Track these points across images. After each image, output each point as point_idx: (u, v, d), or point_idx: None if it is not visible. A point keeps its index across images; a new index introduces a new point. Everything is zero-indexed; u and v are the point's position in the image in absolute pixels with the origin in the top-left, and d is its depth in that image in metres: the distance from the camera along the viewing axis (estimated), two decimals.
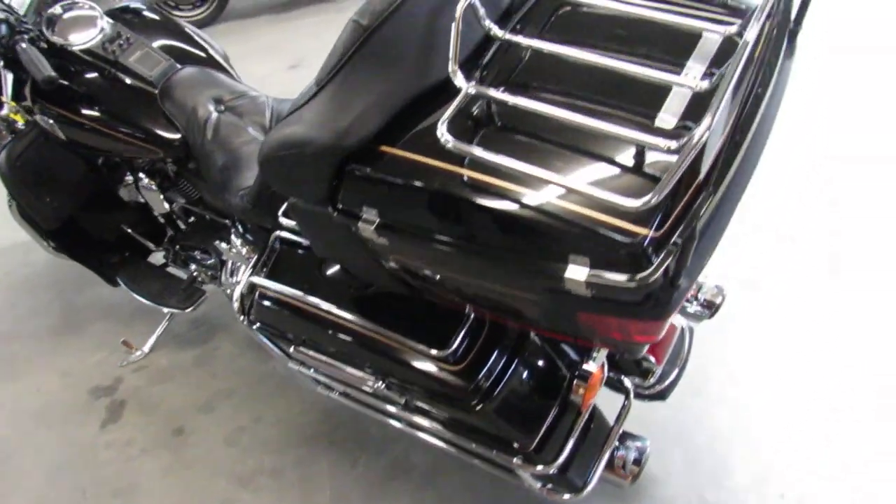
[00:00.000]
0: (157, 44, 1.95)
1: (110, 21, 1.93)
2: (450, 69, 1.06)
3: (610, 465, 1.58)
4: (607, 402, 1.57)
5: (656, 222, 0.96)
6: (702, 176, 1.01)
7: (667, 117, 1.04)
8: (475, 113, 1.10)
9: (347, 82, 1.14)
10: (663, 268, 0.97)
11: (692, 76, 1.06)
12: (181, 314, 2.31)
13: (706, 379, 2.07)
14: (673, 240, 0.96)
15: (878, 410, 1.94)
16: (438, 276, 1.23)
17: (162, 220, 2.27)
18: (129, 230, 2.36)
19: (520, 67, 1.16)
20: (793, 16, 1.27)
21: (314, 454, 2.02)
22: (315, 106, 1.16)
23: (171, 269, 2.41)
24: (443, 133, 1.01)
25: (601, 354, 1.40)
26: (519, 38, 1.14)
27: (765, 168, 1.23)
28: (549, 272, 1.02)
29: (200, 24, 4.82)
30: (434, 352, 1.37)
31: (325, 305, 1.50)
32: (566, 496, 1.53)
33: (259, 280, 1.58)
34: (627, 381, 1.61)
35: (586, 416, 1.48)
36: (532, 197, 1.01)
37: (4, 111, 1.84)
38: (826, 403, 1.99)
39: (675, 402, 1.76)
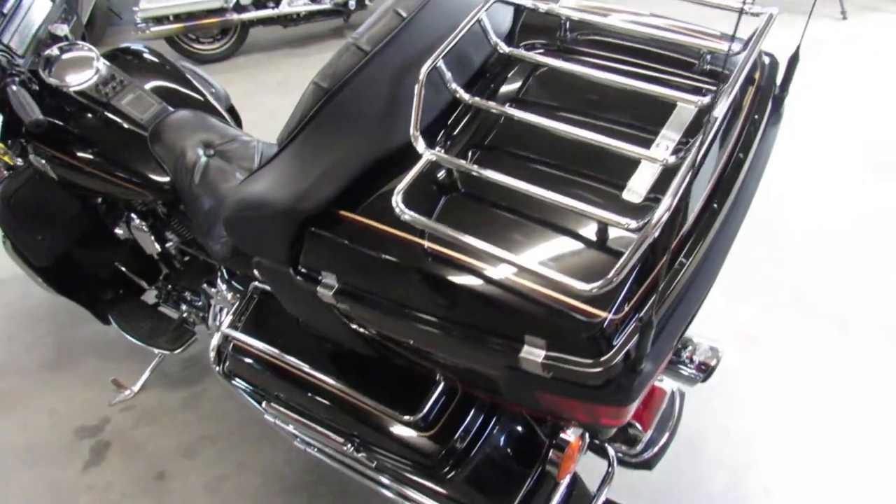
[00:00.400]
0: (150, 86, 1.95)
1: (106, 63, 1.94)
2: (411, 134, 1.03)
3: None
4: (594, 466, 1.50)
5: (616, 304, 0.92)
6: (668, 253, 0.96)
7: (635, 191, 1.01)
8: (437, 180, 1.07)
9: (307, 145, 1.11)
10: (623, 352, 0.92)
11: (663, 148, 1.02)
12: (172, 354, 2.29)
13: (703, 440, 1.99)
14: (634, 323, 0.91)
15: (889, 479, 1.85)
16: (402, 344, 1.19)
17: (156, 258, 2.26)
18: (123, 268, 2.35)
19: (486, 134, 1.13)
20: (778, 81, 1.23)
21: None
22: (275, 167, 1.13)
23: (163, 309, 2.39)
24: (398, 203, 0.98)
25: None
26: (486, 104, 1.11)
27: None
28: (504, 351, 0.97)
29: (220, 57, 4.89)
30: (404, 416, 1.33)
31: (298, 363, 1.46)
32: None
33: (233, 332, 1.55)
34: (611, 450, 1.54)
35: (565, 486, 1.42)
36: (489, 273, 0.97)
37: None
38: (831, 470, 1.90)
39: (668, 467, 1.69)
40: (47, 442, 2.25)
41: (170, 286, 2.28)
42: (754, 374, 2.19)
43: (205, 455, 2.15)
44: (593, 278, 0.87)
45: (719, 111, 0.92)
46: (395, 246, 1.03)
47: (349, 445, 1.42)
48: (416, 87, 1.03)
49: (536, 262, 0.93)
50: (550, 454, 1.36)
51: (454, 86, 1.12)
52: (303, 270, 1.14)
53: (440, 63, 1.07)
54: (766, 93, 1.20)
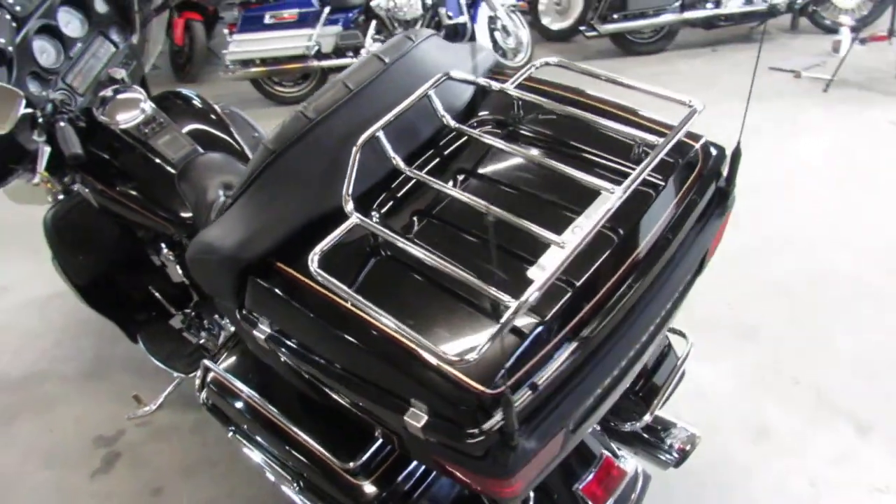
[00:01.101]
0: (187, 129, 2.12)
1: (152, 105, 2.13)
2: (343, 196, 1.11)
3: None
4: None
5: (496, 378, 0.95)
6: (557, 334, 0.99)
7: (538, 271, 1.04)
8: (361, 243, 1.13)
9: (252, 200, 1.21)
10: (495, 427, 0.94)
11: (569, 232, 1.05)
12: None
13: None
14: (508, 398, 0.93)
15: None
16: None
17: (186, 285, 2.42)
18: (156, 292, 2.53)
19: (417, 204, 1.20)
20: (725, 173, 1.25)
21: None
22: (226, 217, 1.23)
23: (186, 335, 2.54)
24: (313, 260, 1.05)
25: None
26: (420, 175, 1.17)
27: None
28: (395, 411, 1.02)
29: (300, 99, 5.19)
30: (343, 463, 1.37)
31: (262, 400, 1.53)
32: None
33: (211, 365, 1.65)
34: None
35: None
36: (385, 335, 1.01)
37: (36, 180, 2.05)
38: None
39: None
40: (67, 447, 2.42)
41: (194, 313, 2.44)
42: (757, 468, 2.11)
43: (202, 477, 2.26)
44: (462, 353, 0.91)
45: (613, 200, 0.96)
46: (314, 300, 1.10)
47: (295, 485, 1.48)
48: (353, 154, 1.12)
49: (423, 331, 0.97)
50: None
51: (393, 156, 1.19)
52: (244, 313, 1.23)
53: (380, 134, 1.15)
54: (707, 184, 1.22)
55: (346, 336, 1.05)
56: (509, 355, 0.96)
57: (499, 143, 1.18)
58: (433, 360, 0.96)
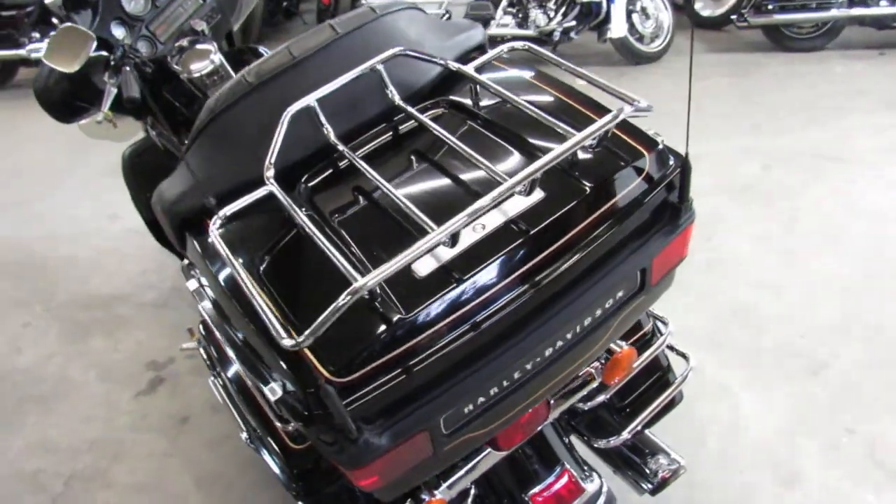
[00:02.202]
0: None
1: (220, 58, 2.23)
2: (265, 164, 1.11)
3: None
4: None
5: (345, 368, 0.92)
6: (424, 331, 0.94)
7: (421, 266, 0.99)
8: (275, 213, 1.13)
9: (192, 157, 1.24)
10: (338, 415, 0.92)
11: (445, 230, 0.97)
12: None
13: None
14: (326, 391, 0.90)
15: None
16: None
17: None
18: None
19: (338, 178, 1.17)
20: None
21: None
22: (176, 171, 1.28)
23: None
24: (215, 222, 1.07)
25: (459, 483, 1.32)
26: (343, 150, 1.15)
27: None
28: (262, 382, 1.02)
29: None
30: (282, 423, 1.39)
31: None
32: None
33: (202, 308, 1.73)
34: None
35: None
36: (252, 308, 0.99)
37: (100, 118, 2.22)
38: None
39: None
40: (123, 366, 2.66)
41: None
42: None
43: (226, 414, 2.39)
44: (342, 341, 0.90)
45: (500, 190, 0.90)
46: (218, 263, 1.12)
47: (244, 434, 1.52)
48: (280, 122, 1.11)
49: (295, 309, 0.96)
50: None
51: (327, 128, 1.17)
52: (183, 264, 1.28)
53: (314, 104, 1.14)
54: (649, 194, 1.09)
55: (231, 302, 1.05)
56: (361, 346, 0.93)
57: (431, 125, 1.13)
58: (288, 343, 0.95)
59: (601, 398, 1.49)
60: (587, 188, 1.06)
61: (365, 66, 1.16)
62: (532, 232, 1.02)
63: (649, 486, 1.61)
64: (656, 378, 1.61)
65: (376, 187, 1.10)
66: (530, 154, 1.12)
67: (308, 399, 0.94)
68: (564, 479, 1.47)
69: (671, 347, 1.64)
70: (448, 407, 1.00)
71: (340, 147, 1.15)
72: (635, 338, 1.56)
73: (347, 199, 1.15)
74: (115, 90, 2.12)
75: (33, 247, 3.35)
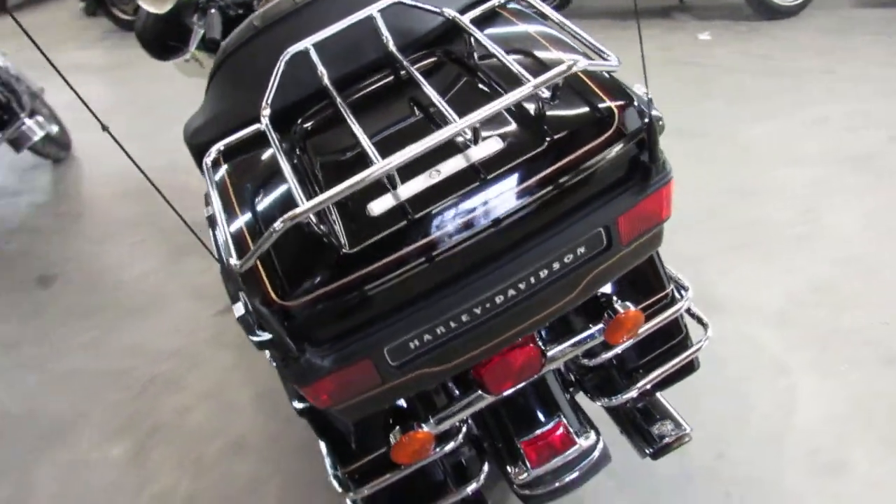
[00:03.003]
0: None
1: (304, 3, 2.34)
2: (262, 104, 1.18)
3: None
4: None
5: (290, 292, 1.00)
6: (371, 263, 0.99)
7: (376, 206, 1.03)
8: (263, 149, 1.21)
9: (209, 94, 1.34)
10: (276, 334, 0.99)
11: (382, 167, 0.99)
12: None
13: None
14: (260, 311, 0.97)
15: None
16: None
17: None
18: None
19: (327, 124, 1.22)
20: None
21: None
22: (200, 107, 1.39)
23: None
24: (210, 153, 1.16)
25: (447, 420, 1.37)
26: (334, 94, 1.19)
27: None
28: (232, 299, 1.11)
29: None
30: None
31: None
32: None
33: None
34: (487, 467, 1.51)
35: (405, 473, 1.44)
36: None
37: (187, 57, 2.39)
38: None
39: None
40: (211, 286, 2.90)
41: None
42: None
43: None
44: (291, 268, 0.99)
45: (447, 131, 0.94)
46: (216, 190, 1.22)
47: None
48: (278, 64, 1.18)
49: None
50: (395, 435, 1.41)
51: (322, 72, 1.22)
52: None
53: (310, 48, 1.19)
54: (610, 150, 1.06)
55: (217, 229, 1.15)
56: (305, 274, 1.00)
57: (413, 73, 1.15)
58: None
59: (605, 356, 1.48)
60: (547, 141, 1.05)
61: (361, 13, 1.20)
62: (487, 179, 1.03)
63: (650, 449, 1.59)
64: (674, 343, 1.56)
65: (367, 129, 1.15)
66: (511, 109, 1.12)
67: (259, 318, 1.01)
68: (558, 431, 1.49)
69: (691, 313, 1.58)
70: (389, 339, 1.05)
71: (331, 90, 1.21)
72: (651, 300, 1.52)
73: (331, 142, 1.21)
74: (201, 31, 2.29)
75: (154, 174, 3.68)
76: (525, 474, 1.48)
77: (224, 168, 1.18)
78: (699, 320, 1.58)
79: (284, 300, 1.00)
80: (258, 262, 1.05)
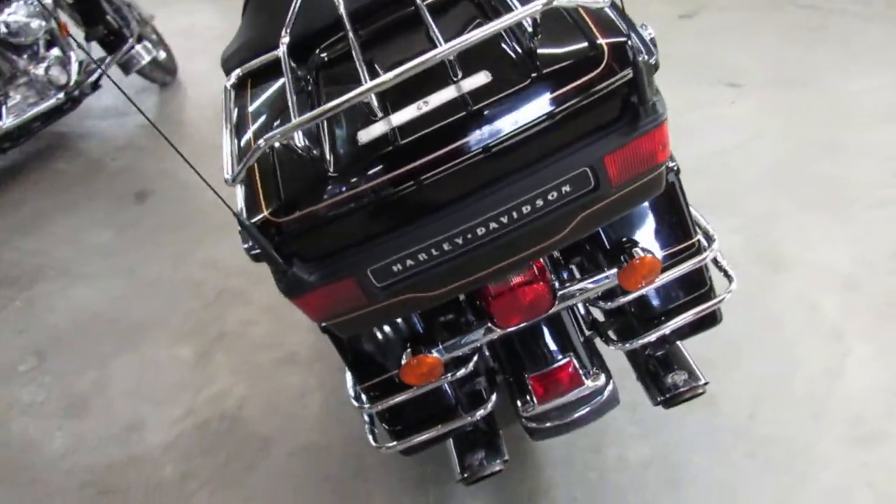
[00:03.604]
0: None
1: None
2: (283, 32, 1.24)
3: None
4: None
5: (280, 210, 1.07)
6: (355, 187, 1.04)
7: (364, 135, 1.08)
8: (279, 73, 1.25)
9: (243, 21, 1.41)
10: (261, 247, 1.06)
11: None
12: None
13: None
14: (245, 225, 1.04)
15: None
16: None
17: None
18: None
19: (343, 55, 1.25)
20: None
21: None
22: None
23: None
24: (230, 77, 1.24)
25: (455, 348, 1.42)
26: (347, 26, 1.23)
27: None
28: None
29: None
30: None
31: None
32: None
33: None
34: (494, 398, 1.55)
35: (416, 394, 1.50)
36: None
37: None
38: None
39: None
40: None
41: None
42: (835, 465, 1.75)
43: None
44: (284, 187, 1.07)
45: (426, 57, 0.95)
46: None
47: None
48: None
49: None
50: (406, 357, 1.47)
51: (339, 2, 1.26)
52: None
53: None
54: (598, 88, 1.03)
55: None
56: (294, 193, 1.07)
57: (421, 6, 1.17)
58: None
59: (621, 301, 1.47)
60: (532, 77, 1.05)
61: None
62: (472, 111, 1.05)
63: (662, 397, 1.58)
64: (697, 294, 1.53)
65: (370, 61, 1.19)
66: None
67: (244, 230, 1.09)
68: (567, 370, 1.51)
69: (717, 264, 1.54)
70: (371, 260, 1.10)
71: (345, 21, 1.24)
72: (675, 249, 1.49)
73: (340, 73, 1.25)
74: None
75: None
76: (531, 408, 1.51)
77: (240, 91, 1.25)
78: (725, 273, 1.53)
79: (276, 217, 1.07)
80: (258, 181, 1.13)
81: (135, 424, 2.30)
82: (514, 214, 1.11)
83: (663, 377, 1.60)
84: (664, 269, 1.42)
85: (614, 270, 1.38)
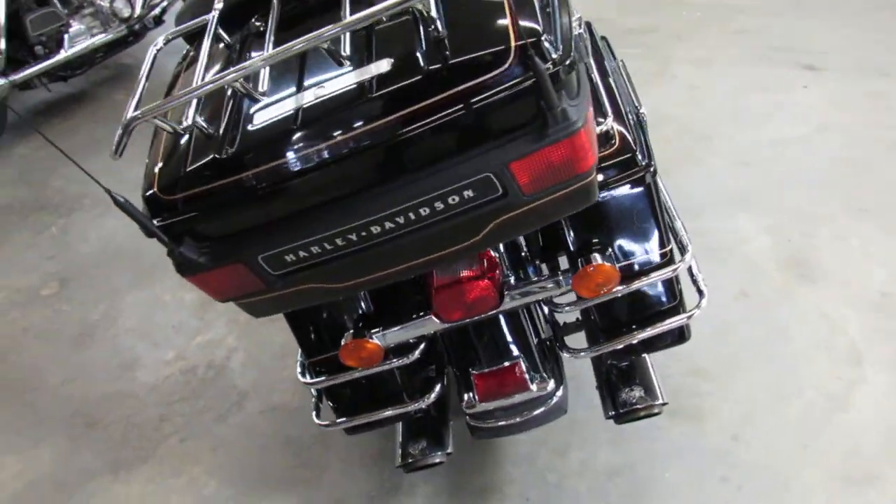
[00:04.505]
0: None
1: None
2: None
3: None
4: None
5: (166, 188, 1.04)
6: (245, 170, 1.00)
7: (258, 118, 1.05)
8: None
9: None
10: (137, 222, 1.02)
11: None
12: None
13: None
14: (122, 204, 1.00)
15: None
16: None
17: None
18: None
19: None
20: None
21: None
22: None
23: None
24: (157, 43, 1.22)
25: (394, 335, 1.37)
26: (274, 8, 1.18)
27: None
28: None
29: None
30: None
31: None
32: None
33: None
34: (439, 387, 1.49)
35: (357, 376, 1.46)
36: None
37: None
38: None
39: None
40: None
41: None
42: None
43: None
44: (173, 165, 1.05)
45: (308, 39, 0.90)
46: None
47: None
48: None
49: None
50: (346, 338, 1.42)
51: None
52: None
53: None
54: (503, 91, 0.92)
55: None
56: (178, 172, 1.04)
57: None
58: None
59: (576, 307, 1.37)
60: (430, 68, 0.96)
61: None
62: (365, 101, 0.98)
63: (614, 412, 1.47)
64: (666, 308, 1.40)
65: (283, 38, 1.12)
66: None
67: (119, 205, 1.05)
68: (513, 372, 1.42)
69: (692, 277, 1.40)
70: (260, 248, 1.04)
71: None
72: (644, 258, 1.36)
73: (261, 43, 1.18)
74: None
75: None
76: (473, 406, 1.44)
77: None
78: (697, 288, 1.39)
79: (165, 194, 1.03)
80: (160, 155, 1.09)
81: (130, 362, 2.35)
82: (412, 216, 1.02)
83: (619, 391, 1.49)
84: (628, 278, 1.31)
85: (569, 275, 1.28)
